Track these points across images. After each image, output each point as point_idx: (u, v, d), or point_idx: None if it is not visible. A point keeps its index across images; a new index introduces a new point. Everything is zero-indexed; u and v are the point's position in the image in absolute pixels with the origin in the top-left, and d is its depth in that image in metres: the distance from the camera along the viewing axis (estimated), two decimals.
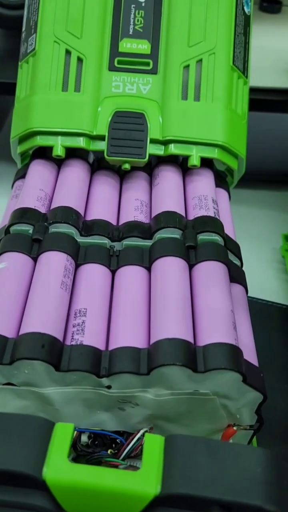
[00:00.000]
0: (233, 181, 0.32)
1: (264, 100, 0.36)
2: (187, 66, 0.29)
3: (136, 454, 0.20)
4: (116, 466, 0.19)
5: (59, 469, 0.15)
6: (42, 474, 0.15)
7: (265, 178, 0.42)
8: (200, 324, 0.21)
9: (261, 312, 0.34)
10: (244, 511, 0.15)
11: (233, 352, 0.20)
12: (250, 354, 0.21)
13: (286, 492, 0.16)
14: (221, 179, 0.31)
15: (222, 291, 0.22)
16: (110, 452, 0.20)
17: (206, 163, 0.29)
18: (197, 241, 0.24)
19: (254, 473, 0.16)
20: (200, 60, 0.29)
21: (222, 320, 0.21)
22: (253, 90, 0.35)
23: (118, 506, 0.15)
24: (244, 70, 0.31)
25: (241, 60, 0.30)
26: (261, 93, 0.36)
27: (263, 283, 0.36)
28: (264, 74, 0.37)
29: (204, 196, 0.27)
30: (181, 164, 0.30)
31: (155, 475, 0.15)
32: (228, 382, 0.19)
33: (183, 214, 0.26)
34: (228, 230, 0.26)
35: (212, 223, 0.25)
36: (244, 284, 0.25)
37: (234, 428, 0.21)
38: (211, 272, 0.23)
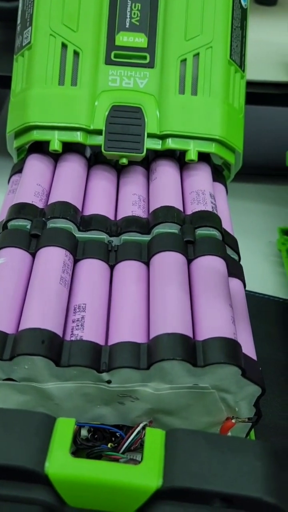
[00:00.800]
0: (230, 175, 0.32)
1: (260, 94, 0.36)
2: (184, 60, 0.29)
3: (136, 447, 0.20)
4: (116, 460, 0.20)
5: (61, 463, 0.15)
6: (44, 468, 0.15)
7: (260, 172, 0.42)
8: (199, 319, 0.21)
9: (258, 306, 0.34)
10: (244, 503, 0.16)
11: (232, 346, 0.20)
12: (248, 348, 0.22)
13: (285, 484, 0.16)
14: (218, 174, 0.31)
15: (221, 286, 0.22)
16: (110, 445, 0.20)
17: (203, 157, 0.29)
18: (196, 236, 0.24)
19: (254, 466, 0.16)
20: (197, 54, 0.29)
21: (221, 315, 0.21)
22: (249, 84, 0.34)
23: (120, 499, 0.15)
24: (241, 64, 0.31)
25: (238, 54, 0.30)
26: (258, 86, 0.36)
27: (260, 277, 0.36)
28: (261, 68, 0.37)
29: (201, 191, 0.27)
30: (179, 159, 0.30)
31: (157, 468, 0.15)
32: (227, 376, 0.20)
33: (181, 209, 0.26)
34: (225, 225, 0.26)
35: (210, 218, 0.25)
36: (242, 278, 0.25)
37: (233, 421, 0.21)
38: (209, 267, 0.23)
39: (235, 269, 0.25)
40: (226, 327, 0.20)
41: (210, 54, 0.29)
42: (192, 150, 0.28)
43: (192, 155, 0.28)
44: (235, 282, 0.24)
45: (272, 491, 0.15)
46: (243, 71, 0.31)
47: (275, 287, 0.35)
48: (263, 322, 0.33)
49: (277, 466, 0.16)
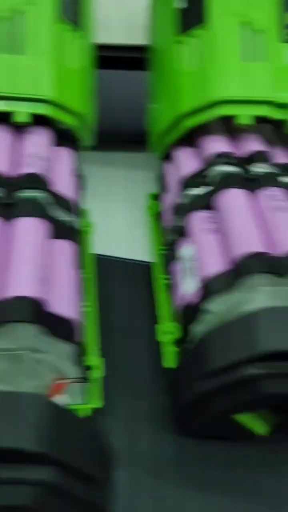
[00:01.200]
0: (84, 140, 0.31)
1: (115, 58, 0.36)
2: (9, 18, 0.27)
3: None
4: None
5: None
6: None
7: (124, 139, 0.41)
8: (5, 279, 0.21)
9: (128, 271, 0.34)
10: (17, 456, 0.15)
11: (32, 305, 0.19)
12: (66, 307, 0.21)
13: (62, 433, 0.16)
14: (64, 138, 0.30)
15: (30, 247, 0.21)
16: None
17: (44, 120, 0.28)
18: (15, 198, 0.24)
19: (27, 418, 0.16)
20: (23, 11, 0.27)
21: (24, 274, 0.20)
22: (102, 47, 0.34)
23: None
24: (77, 22, 0.30)
25: (72, 11, 0.29)
26: (112, 50, 0.35)
27: (129, 242, 0.36)
28: (115, 31, 0.36)
29: (32, 154, 0.26)
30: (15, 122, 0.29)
31: None
32: (31, 335, 0.19)
33: (6, 172, 0.25)
34: (64, 188, 0.26)
35: (34, 180, 0.24)
36: (73, 239, 0.25)
37: (61, 382, 0.21)
38: (23, 229, 0.22)
39: (64, 231, 0.24)
40: (28, 286, 0.20)
41: (37, 11, 0.28)
42: (23, 112, 0.27)
43: (23, 117, 0.27)
44: (61, 244, 0.24)
45: (42, 442, 0.15)
46: (84, 30, 0.30)
47: (144, 252, 0.36)
48: (131, 287, 0.33)
49: (53, 417, 0.16)
